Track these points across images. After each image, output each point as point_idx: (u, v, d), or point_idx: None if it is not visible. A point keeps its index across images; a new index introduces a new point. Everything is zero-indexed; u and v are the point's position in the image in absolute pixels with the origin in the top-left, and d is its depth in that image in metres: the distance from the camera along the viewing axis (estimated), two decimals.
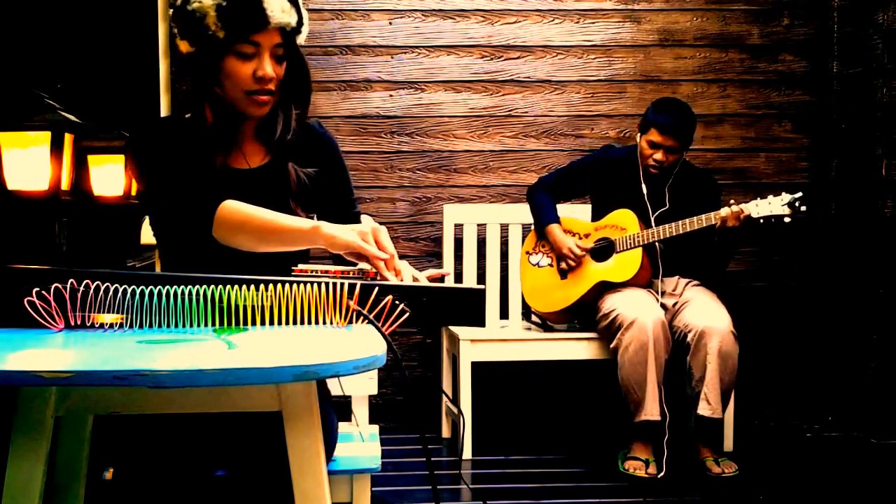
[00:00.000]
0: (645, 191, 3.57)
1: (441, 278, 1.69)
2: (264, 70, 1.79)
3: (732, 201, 3.38)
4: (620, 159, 3.65)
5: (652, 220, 3.55)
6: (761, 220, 3.32)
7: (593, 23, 4.19)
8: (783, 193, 3.34)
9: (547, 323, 3.77)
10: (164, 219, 1.84)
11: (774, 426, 4.10)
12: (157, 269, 2.81)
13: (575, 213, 3.88)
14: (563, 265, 3.64)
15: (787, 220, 3.30)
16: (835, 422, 4.08)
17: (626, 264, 3.53)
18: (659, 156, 3.49)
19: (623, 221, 3.57)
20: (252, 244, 1.75)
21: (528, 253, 3.78)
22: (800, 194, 3.31)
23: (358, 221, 1.98)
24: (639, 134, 3.58)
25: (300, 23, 1.83)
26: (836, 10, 4.18)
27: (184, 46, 1.84)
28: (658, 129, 3.47)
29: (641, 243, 3.51)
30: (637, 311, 3.36)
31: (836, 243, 4.12)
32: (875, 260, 3.89)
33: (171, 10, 1.84)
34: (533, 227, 3.78)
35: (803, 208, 3.29)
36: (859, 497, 3.19)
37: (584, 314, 3.66)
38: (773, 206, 3.31)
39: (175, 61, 3.97)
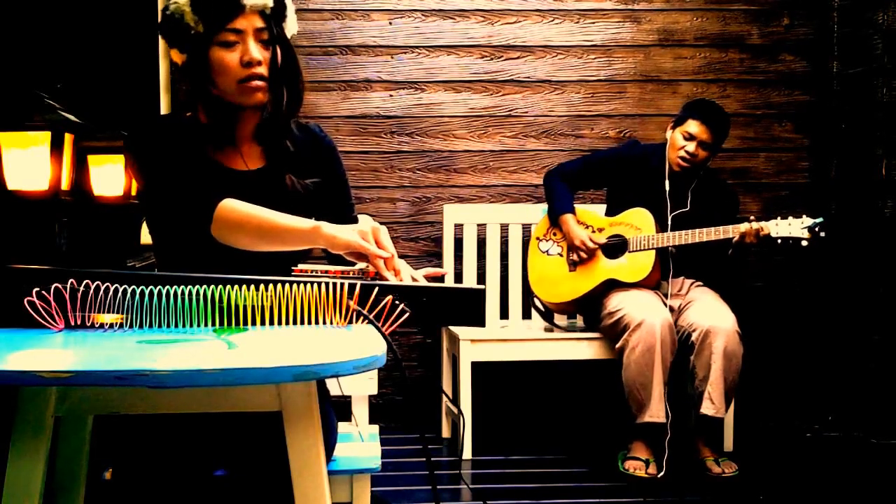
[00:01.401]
0: (668, 189, 3.56)
1: (441, 278, 1.69)
2: (250, 54, 1.78)
3: (752, 217, 3.37)
4: (646, 156, 3.63)
5: (669, 219, 3.53)
6: (779, 241, 3.33)
7: (593, 23, 4.19)
8: (804, 217, 3.33)
9: (549, 311, 3.76)
10: (162, 215, 1.84)
11: (774, 426, 4.10)
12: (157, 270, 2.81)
13: (591, 206, 3.87)
14: (574, 257, 3.63)
15: (804, 243, 3.31)
16: (835, 422, 4.08)
17: (638, 266, 3.52)
18: (692, 147, 3.47)
19: (639, 221, 3.55)
20: (251, 243, 1.74)
21: (538, 239, 3.76)
22: (821, 220, 3.31)
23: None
24: (671, 129, 3.56)
25: (279, 8, 1.82)
26: (836, 10, 4.18)
27: (177, 57, 1.85)
28: (700, 120, 3.46)
29: (655, 246, 3.49)
30: (645, 312, 3.34)
31: (837, 243, 4.12)
32: (875, 260, 3.89)
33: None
34: (546, 212, 3.77)
35: (822, 234, 3.29)
36: (859, 497, 3.19)
37: (588, 308, 3.65)
38: (794, 227, 3.31)
39: (174, 62, 3.96)
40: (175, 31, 1.80)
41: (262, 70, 1.80)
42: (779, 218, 3.36)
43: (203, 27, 1.77)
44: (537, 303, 3.79)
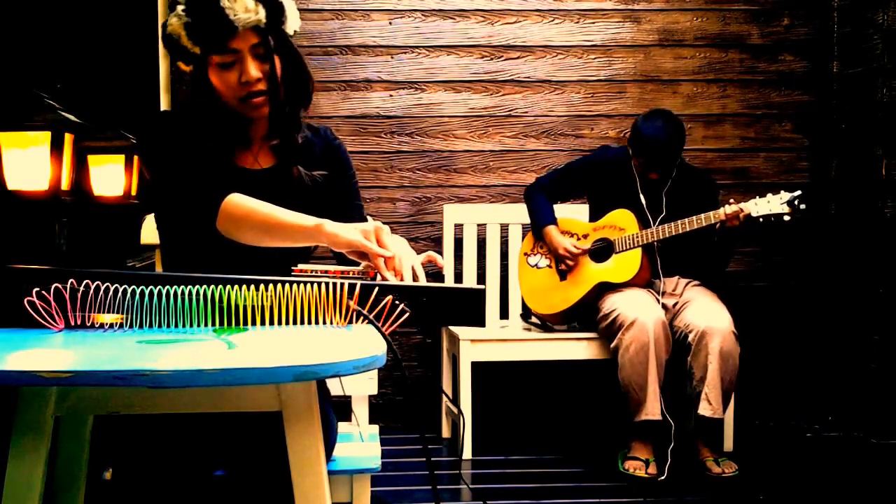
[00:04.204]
0: (642, 194, 3.58)
1: (440, 275, 1.69)
2: (248, 74, 1.79)
3: (732, 200, 3.39)
4: (618, 160, 3.65)
5: (650, 220, 3.55)
6: (761, 219, 3.34)
7: (593, 23, 4.19)
8: (782, 192, 3.36)
9: (547, 324, 3.77)
10: (169, 209, 1.85)
11: (774, 426, 4.10)
12: (158, 269, 2.81)
13: (574, 214, 3.88)
14: (562, 266, 3.64)
15: (786, 218, 3.32)
16: (835, 422, 4.08)
17: (625, 265, 3.54)
18: (651, 175, 3.54)
19: (622, 221, 3.57)
20: (255, 238, 1.75)
21: (526, 254, 3.79)
22: (798, 192, 3.33)
23: None
24: (629, 149, 3.59)
25: (275, 16, 1.80)
26: (836, 10, 4.18)
27: (183, 66, 1.88)
28: (643, 163, 3.51)
29: (640, 243, 3.51)
30: (637, 310, 3.36)
31: (836, 243, 4.12)
32: (875, 260, 3.89)
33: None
34: (530, 228, 3.78)
35: (802, 206, 3.31)
36: (859, 497, 3.19)
37: (584, 315, 3.66)
38: (773, 204, 3.33)
39: (175, 61, 3.96)
40: (175, 50, 1.83)
41: (262, 86, 1.81)
42: (757, 197, 3.37)
43: (200, 50, 1.79)
44: (533, 318, 3.80)
